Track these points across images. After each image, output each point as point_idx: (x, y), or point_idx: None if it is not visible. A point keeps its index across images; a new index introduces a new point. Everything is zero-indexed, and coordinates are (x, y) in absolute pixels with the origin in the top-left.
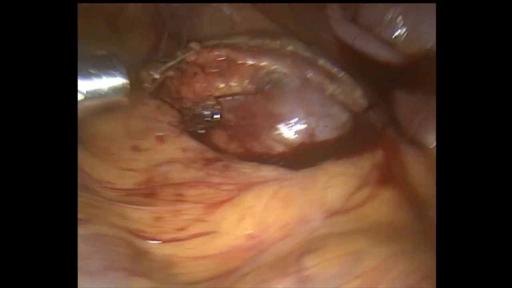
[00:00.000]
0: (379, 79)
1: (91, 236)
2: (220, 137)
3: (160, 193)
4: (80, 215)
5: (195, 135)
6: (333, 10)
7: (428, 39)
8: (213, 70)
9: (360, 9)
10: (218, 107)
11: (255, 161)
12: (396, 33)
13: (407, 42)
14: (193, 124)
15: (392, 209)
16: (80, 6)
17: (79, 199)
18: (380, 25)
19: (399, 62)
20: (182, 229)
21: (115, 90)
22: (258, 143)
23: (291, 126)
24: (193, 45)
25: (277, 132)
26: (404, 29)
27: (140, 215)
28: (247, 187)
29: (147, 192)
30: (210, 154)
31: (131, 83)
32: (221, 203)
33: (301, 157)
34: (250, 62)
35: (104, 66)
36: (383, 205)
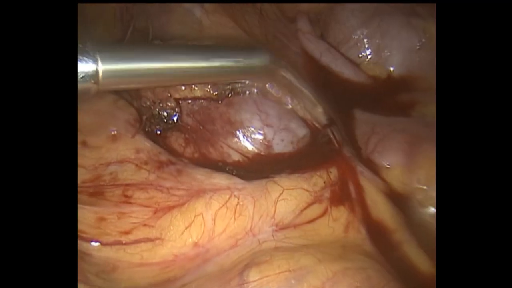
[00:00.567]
0: (341, 97)
1: None
2: (176, 140)
3: (106, 193)
4: None
5: (150, 136)
6: (302, 24)
7: (391, 63)
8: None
9: (329, 27)
10: (177, 109)
11: (209, 168)
12: (361, 54)
13: (370, 64)
14: (150, 124)
15: (343, 228)
16: None
17: None
18: (346, 44)
19: (362, 82)
20: (126, 232)
21: (85, 77)
22: (214, 149)
23: (248, 136)
24: (157, 43)
25: (234, 140)
26: (369, 51)
27: (83, 214)
28: (198, 193)
29: (93, 191)
30: (164, 157)
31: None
32: (170, 208)
33: (256, 168)
34: None
35: None
36: (333, 223)
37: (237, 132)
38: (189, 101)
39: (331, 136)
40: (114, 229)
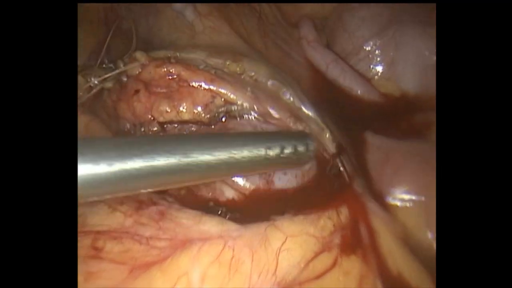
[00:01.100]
0: (350, 117)
1: None
2: None
3: None
4: None
5: None
6: (306, 30)
7: (405, 78)
8: (159, 90)
9: (336, 35)
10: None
11: (198, 209)
12: (373, 68)
13: (382, 80)
14: None
15: (356, 284)
16: None
17: None
18: (356, 56)
19: (373, 100)
20: None
21: None
22: (204, 185)
23: None
24: (139, 55)
25: None
26: (381, 65)
27: None
28: (183, 245)
29: None
30: (144, 195)
31: None
32: (148, 265)
33: (253, 208)
34: (205, 86)
35: None
36: (345, 278)
37: None
38: (176, 125)
39: (341, 167)
40: None
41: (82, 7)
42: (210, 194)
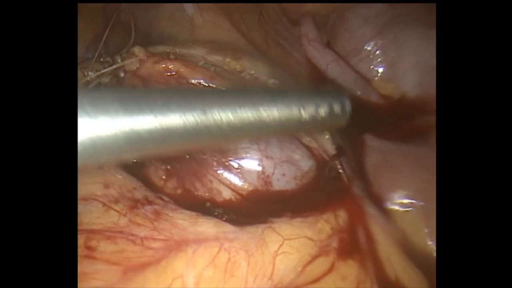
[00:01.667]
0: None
1: None
2: (156, 172)
3: None
4: None
5: (124, 165)
6: (307, 29)
7: (406, 80)
8: (157, 86)
9: (337, 34)
10: None
11: (194, 210)
12: (373, 69)
13: (383, 81)
14: None
15: None
16: None
17: None
18: (357, 56)
19: (373, 102)
20: None
21: None
22: (201, 184)
23: (244, 169)
24: (137, 50)
25: (226, 173)
26: (382, 66)
27: None
28: (178, 246)
29: None
30: (140, 194)
31: None
32: (142, 266)
33: (251, 209)
34: (204, 83)
35: None
36: (342, 283)
37: (230, 164)
38: None
39: (340, 169)
40: None
41: None
42: (207, 194)
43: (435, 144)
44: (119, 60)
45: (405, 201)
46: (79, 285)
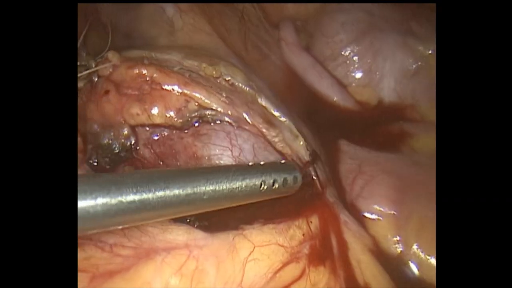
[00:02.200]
0: (324, 124)
1: None
2: None
3: None
4: None
5: (97, 170)
6: (286, 32)
7: (382, 87)
8: (130, 92)
9: (315, 39)
10: (133, 138)
11: None
12: (350, 75)
13: (359, 87)
14: (97, 156)
15: None
16: None
17: None
18: (334, 61)
19: (349, 108)
20: None
21: None
22: None
23: None
24: (110, 55)
25: None
26: (359, 72)
27: None
28: (147, 254)
29: None
30: None
31: None
32: (111, 274)
33: (222, 216)
34: (179, 90)
35: None
36: None
37: None
38: (147, 128)
39: (314, 176)
40: None
41: None
42: None
43: (409, 152)
44: (93, 65)
45: (377, 209)
46: None
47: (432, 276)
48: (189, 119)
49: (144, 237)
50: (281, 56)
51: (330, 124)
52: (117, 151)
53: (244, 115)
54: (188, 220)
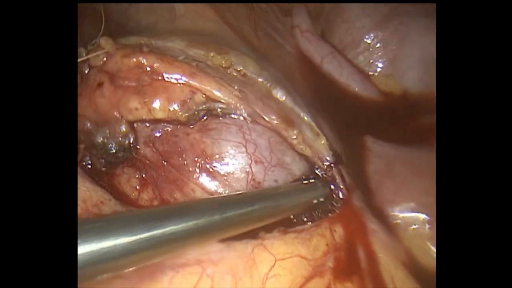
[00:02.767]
0: (347, 118)
1: None
2: (128, 181)
3: None
4: None
5: (91, 173)
6: (300, 19)
7: (408, 76)
8: (127, 83)
9: (333, 25)
10: (132, 136)
11: None
12: (372, 63)
13: (383, 77)
14: (92, 157)
15: None
16: None
17: None
18: (355, 49)
19: (373, 99)
20: None
21: None
22: (182, 194)
23: (231, 175)
24: (103, 42)
25: (210, 181)
26: (382, 60)
27: None
28: (152, 274)
29: None
30: (107, 208)
31: None
32: None
33: None
34: (183, 80)
35: None
36: None
37: (215, 170)
38: (147, 124)
39: (338, 179)
40: None
41: None
42: None
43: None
44: (84, 54)
45: (410, 215)
46: None
47: None
48: (196, 112)
49: None
50: (295, 45)
51: (352, 118)
52: (113, 151)
53: (259, 112)
54: None
